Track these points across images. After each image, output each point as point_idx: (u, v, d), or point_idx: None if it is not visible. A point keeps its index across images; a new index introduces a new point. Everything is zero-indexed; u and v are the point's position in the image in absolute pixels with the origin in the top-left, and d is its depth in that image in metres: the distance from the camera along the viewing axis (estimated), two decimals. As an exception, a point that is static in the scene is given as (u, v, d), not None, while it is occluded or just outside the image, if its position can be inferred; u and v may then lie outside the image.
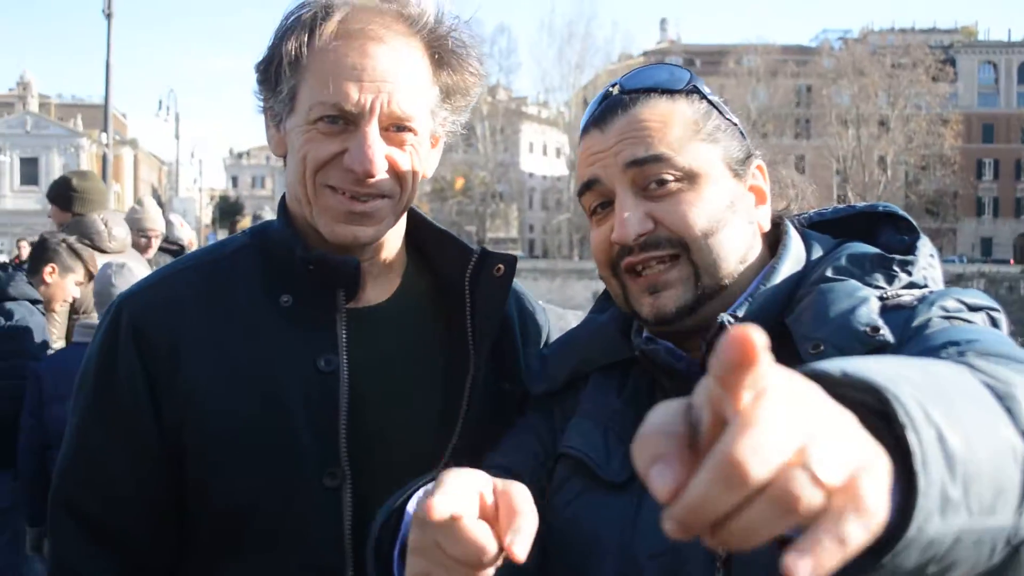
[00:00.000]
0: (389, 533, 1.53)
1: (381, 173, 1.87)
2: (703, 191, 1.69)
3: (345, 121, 1.85)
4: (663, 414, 0.86)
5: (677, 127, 1.71)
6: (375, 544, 1.55)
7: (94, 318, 6.16)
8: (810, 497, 0.78)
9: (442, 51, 1.96)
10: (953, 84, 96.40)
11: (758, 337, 0.77)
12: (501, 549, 1.17)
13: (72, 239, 6.27)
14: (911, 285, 1.66)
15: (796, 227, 1.85)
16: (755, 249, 1.77)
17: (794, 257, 1.76)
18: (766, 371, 0.80)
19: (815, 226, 1.90)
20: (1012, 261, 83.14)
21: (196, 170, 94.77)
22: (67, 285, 6.17)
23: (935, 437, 0.91)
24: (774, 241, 1.82)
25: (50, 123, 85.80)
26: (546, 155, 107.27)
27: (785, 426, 0.79)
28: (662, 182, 1.68)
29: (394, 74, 1.86)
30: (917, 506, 0.88)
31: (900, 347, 1.50)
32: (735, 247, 1.71)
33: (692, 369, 1.70)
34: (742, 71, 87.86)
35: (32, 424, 5.16)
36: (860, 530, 0.80)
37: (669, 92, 1.75)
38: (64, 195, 6.84)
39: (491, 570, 1.20)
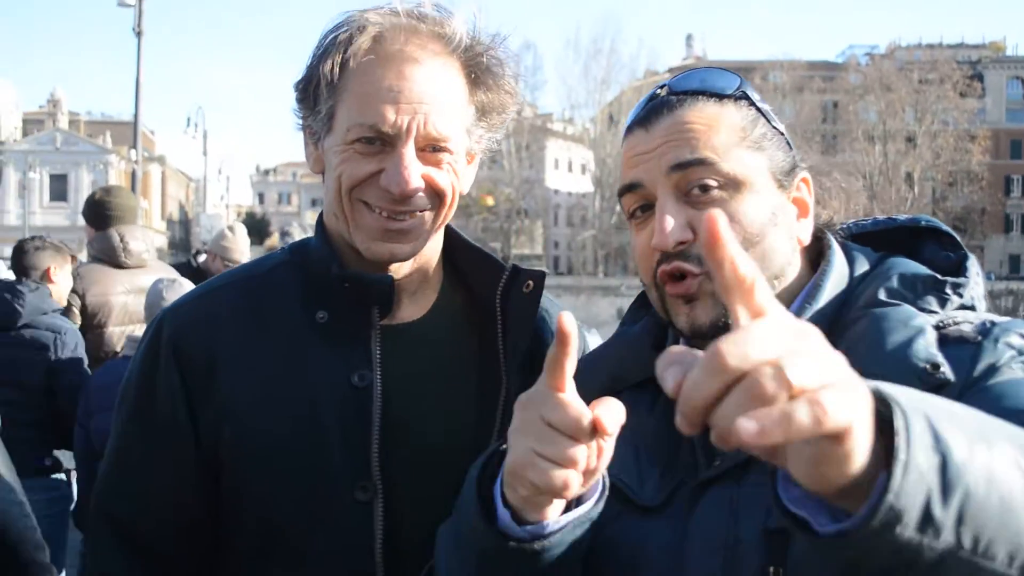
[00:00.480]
0: (490, 473, 1.55)
1: (418, 193, 1.89)
2: (745, 201, 1.64)
3: (382, 142, 1.86)
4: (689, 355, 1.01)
5: (723, 132, 1.66)
6: (476, 484, 1.55)
7: (119, 332, 6.23)
8: (774, 389, 0.90)
9: (478, 70, 1.97)
10: (981, 100, 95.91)
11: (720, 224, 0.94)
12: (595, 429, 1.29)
13: (39, 239, 6.36)
14: (961, 307, 1.62)
15: (837, 240, 1.80)
16: (794, 264, 1.71)
17: (838, 274, 1.70)
18: (766, 301, 0.97)
19: (855, 238, 1.84)
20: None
21: (223, 187, 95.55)
22: (67, 276, 6.31)
23: (930, 446, 0.99)
24: (815, 255, 1.77)
25: (79, 140, 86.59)
26: (571, 172, 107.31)
27: (770, 337, 0.93)
28: (705, 188, 1.62)
29: (431, 95, 1.87)
30: (885, 498, 0.97)
31: (966, 389, 1.44)
32: (770, 263, 1.65)
33: None
34: (768, 87, 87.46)
35: (81, 434, 5.26)
36: (807, 418, 0.91)
37: (717, 96, 1.70)
38: (89, 211, 6.86)
39: (583, 452, 1.30)
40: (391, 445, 1.92)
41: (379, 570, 1.91)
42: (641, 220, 1.71)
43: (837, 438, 0.95)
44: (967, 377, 1.46)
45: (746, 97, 1.72)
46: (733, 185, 1.63)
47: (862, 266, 1.72)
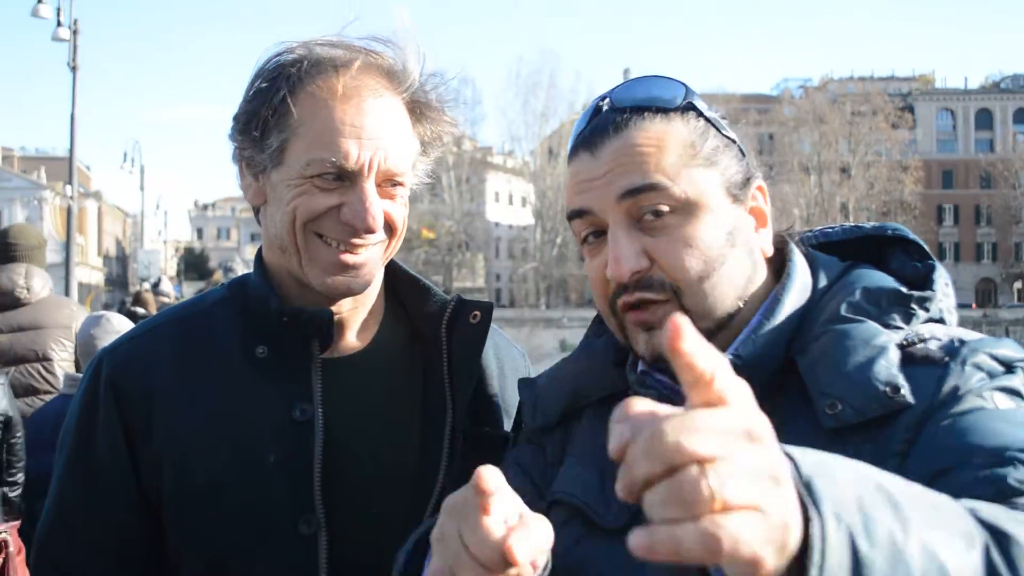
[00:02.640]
0: (418, 558, 1.54)
1: (380, 227, 1.90)
2: (700, 223, 1.57)
3: (341, 176, 1.87)
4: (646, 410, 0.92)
5: (672, 151, 1.58)
6: (403, 568, 1.56)
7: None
8: (694, 499, 0.85)
9: (421, 105, 1.99)
10: (912, 131, 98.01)
11: (687, 329, 0.87)
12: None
13: None
14: (928, 320, 1.57)
15: (801, 249, 1.73)
16: (756, 280, 1.65)
17: (799, 286, 1.64)
18: (727, 390, 0.89)
19: (822, 247, 1.78)
20: (974, 305, 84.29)
21: (161, 222, 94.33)
22: None
23: (847, 546, 0.93)
24: (779, 264, 1.70)
25: (12, 175, 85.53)
26: (512, 204, 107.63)
27: (714, 431, 0.87)
28: (658, 213, 1.56)
29: (388, 131, 1.90)
30: None
31: (931, 413, 1.40)
32: (733, 285, 1.60)
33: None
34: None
35: (24, 477, 5.24)
36: (697, 548, 0.85)
37: (664, 110, 1.62)
38: None
39: None
40: (334, 478, 1.92)
41: None
42: (594, 246, 1.66)
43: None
44: (931, 401, 1.41)
45: (693, 108, 1.64)
46: (687, 208, 1.57)
47: (826, 277, 1.66)
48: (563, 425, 1.82)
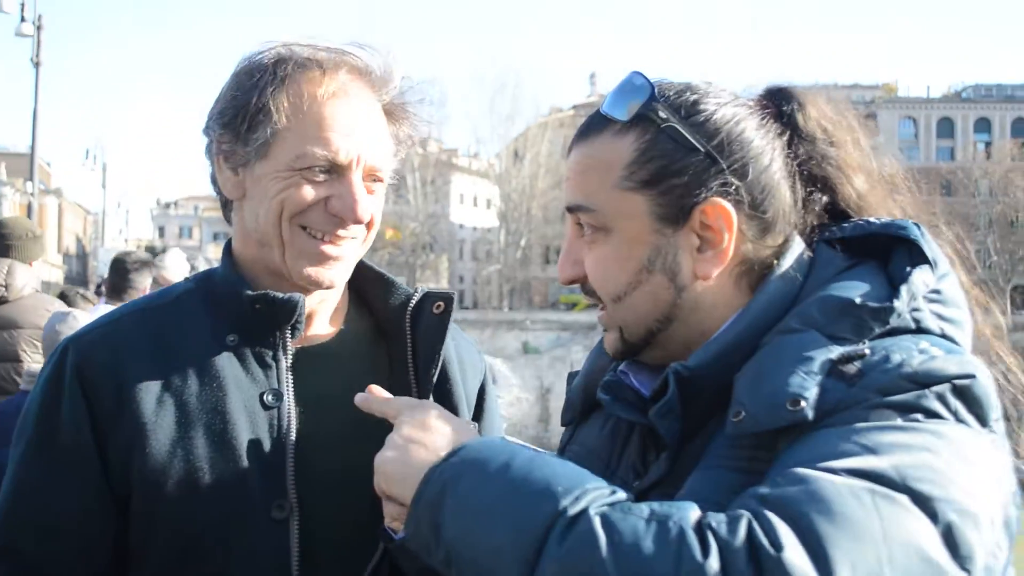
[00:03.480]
0: None
1: (367, 218, 1.99)
2: (616, 246, 1.65)
3: (330, 170, 1.96)
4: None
5: (604, 172, 1.65)
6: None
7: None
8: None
9: (397, 108, 2.10)
10: (875, 139, 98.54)
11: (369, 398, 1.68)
12: None
13: None
14: (894, 331, 1.50)
15: (809, 248, 1.70)
16: (691, 304, 1.66)
17: (771, 299, 1.62)
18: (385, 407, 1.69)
19: (840, 242, 1.71)
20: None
21: (122, 220, 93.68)
22: None
23: (430, 522, 1.46)
24: (758, 280, 1.68)
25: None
26: (476, 206, 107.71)
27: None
28: (587, 229, 1.68)
29: (371, 129, 2.02)
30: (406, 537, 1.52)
31: (814, 429, 1.39)
32: (647, 308, 1.66)
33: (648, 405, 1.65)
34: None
35: None
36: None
37: (625, 124, 1.65)
38: None
39: None
40: (306, 463, 1.96)
41: None
42: None
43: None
44: (820, 417, 1.40)
45: (647, 119, 1.64)
46: (604, 231, 1.66)
47: (819, 278, 1.62)
48: (585, 417, 1.95)
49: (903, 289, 1.53)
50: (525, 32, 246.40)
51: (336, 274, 2.02)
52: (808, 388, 1.41)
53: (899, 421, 1.36)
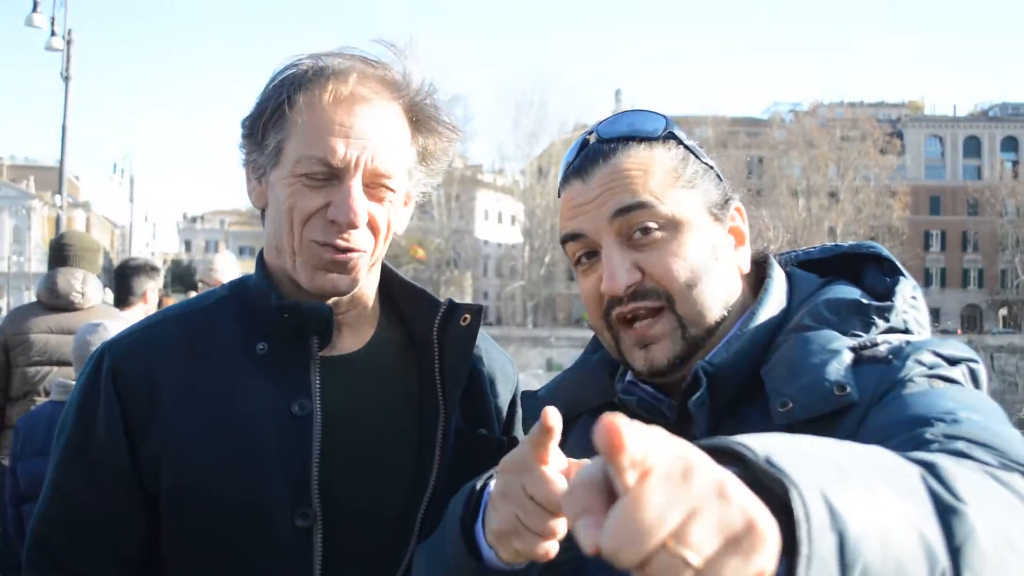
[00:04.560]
0: (471, 510, 1.58)
1: (363, 224, 1.95)
2: (685, 239, 1.71)
3: (329, 176, 1.93)
4: (591, 467, 0.92)
5: (657, 174, 1.73)
6: (460, 519, 1.58)
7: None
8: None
9: (420, 115, 2.07)
10: (901, 157, 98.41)
11: (623, 424, 0.84)
12: None
13: None
14: (890, 330, 1.66)
15: (782, 266, 1.87)
16: (735, 293, 1.78)
17: (775, 300, 1.77)
18: (651, 451, 0.86)
19: (802, 265, 1.91)
20: (959, 331, 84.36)
21: (149, 233, 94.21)
22: None
23: (828, 525, 0.93)
24: (757, 282, 1.84)
25: (1, 184, 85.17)
26: (501, 223, 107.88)
27: (657, 510, 0.84)
28: (646, 230, 1.70)
29: (378, 133, 1.96)
30: None
31: (872, 405, 1.51)
32: (719, 295, 1.73)
33: (673, 414, 1.73)
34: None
35: (12, 480, 5.20)
36: None
37: (647, 140, 1.76)
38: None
39: (563, 523, 1.32)
40: (331, 472, 1.96)
41: None
42: (587, 266, 1.78)
43: None
44: (872, 394, 1.52)
45: (674, 137, 1.79)
46: (673, 225, 1.71)
47: (801, 293, 1.78)
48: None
49: (897, 291, 1.73)
50: (550, 48, 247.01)
51: (344, 281, 1.99)
52: (846, 375, 1.54)
53: (944, 385, 1.53)
